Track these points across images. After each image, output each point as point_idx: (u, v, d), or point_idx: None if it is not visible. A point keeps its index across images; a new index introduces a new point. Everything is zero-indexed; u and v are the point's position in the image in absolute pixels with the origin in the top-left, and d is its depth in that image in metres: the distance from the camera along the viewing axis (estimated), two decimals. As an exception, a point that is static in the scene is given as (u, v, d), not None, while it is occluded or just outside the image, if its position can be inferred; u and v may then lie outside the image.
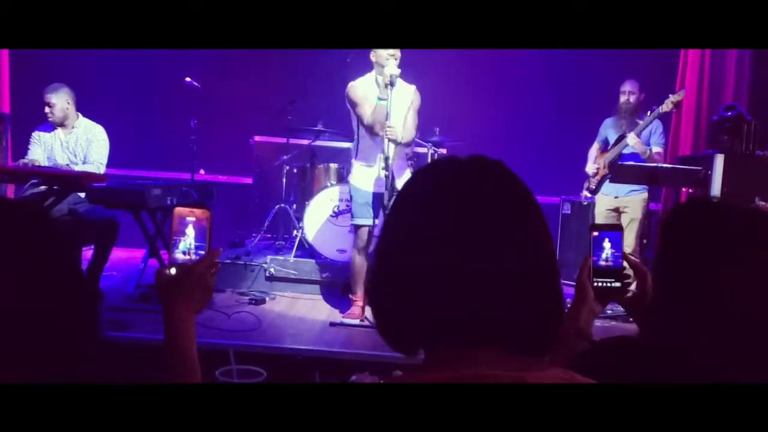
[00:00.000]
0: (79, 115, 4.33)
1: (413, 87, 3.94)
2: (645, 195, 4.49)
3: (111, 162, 4.43)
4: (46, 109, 4.20)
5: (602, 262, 1.27)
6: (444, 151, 5.59)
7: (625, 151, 4.52)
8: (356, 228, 3.97)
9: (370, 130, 3.79)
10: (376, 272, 0.81)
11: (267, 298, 4.45)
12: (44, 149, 4.29)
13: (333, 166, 5.43)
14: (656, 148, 4.49)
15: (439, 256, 0.74)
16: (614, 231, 1.29)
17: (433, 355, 0.78)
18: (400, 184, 3.83)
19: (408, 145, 3.99)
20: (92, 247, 4.08)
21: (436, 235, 0.75)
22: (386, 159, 3.60)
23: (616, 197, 4.56)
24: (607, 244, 1.27)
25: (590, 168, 4.76)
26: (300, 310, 4.27)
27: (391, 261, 0.79)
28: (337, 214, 4.88)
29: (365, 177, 3.91)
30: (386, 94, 3.63)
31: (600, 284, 1.26)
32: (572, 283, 1.29)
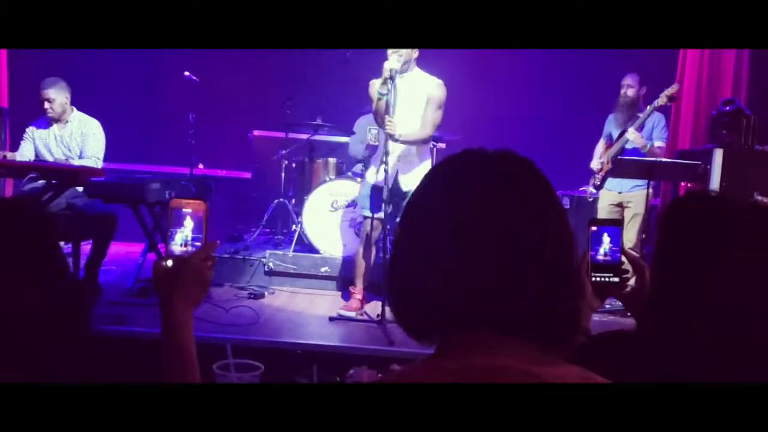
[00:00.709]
0: (74, 108, 4.29)
1: (437, 81, 3.84)
2: (648, 191, 4.48)
3: (109, 156, 4.41)
4: (46, 105, 4.13)
5: (600, 257, 1.27)
6: (443, 145, 5.57)
7: (627, 146, 4.52)
8: (363, 220, 4.09)
9: (377, 122, 3.83)
10: (392, 259, 0.82)
11: (266, 293, 4.44)
12: (39, 145, 4.25)
13: (332, 160, 5.43)
14: (658, 143, 4.49)
15: (458, 245, 0.75)
16: (613, 226, 1.28)
17: (448, 342, 0.78)
18: (405, 180, 3.84)
19: (423, 142, 3.92)
20: (91, 241, 4.07)
21: (454, 225, 0.76)
22: (386, 154, 3.61)
23: (620, 192, 4.57)
24: (605, 239, 1.27)
25: (595, 164, 4.76)
26: (299, 305, 4.27)
27: (407, 249, 0.80)
28: (336, 209, 4.88)
29: (373, 169, 3.96)
30: (385, 88, 3.63)
31: (598, 279, 1.26)
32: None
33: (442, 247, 0.75)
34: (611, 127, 4.73)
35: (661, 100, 4.37)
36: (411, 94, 3.79)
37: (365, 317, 3.88)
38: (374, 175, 3.91)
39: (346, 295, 4.23)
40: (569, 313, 0.77)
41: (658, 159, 4.30)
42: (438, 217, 0.77)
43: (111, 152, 4.43)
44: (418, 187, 0.83)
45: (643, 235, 4.41)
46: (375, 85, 3.83)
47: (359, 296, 4.02)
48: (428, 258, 0.76)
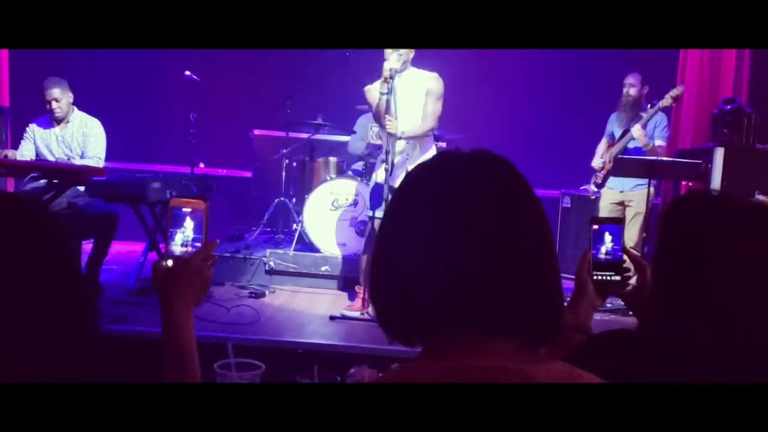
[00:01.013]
0: (74, 108, 4.28)
1: (432, 74, 3.89)
2: (650, 190, 4.47)
3: (110, 155, 4.41)
4: (53, 105, 4.11)
5: (602, 256, 1.26)
6: (443, 144, 5.57)
7: (630, 145, 4.52)
8: (366, 220, 4.15)
9: (380, 124, 3.86)
10: (375, 261, 0.82)
11: (266, 292, 4.44)
12: (40, 144, 4.24)
13: (332, 159, 5.43)
14: (659, 142, 4.49)
15: (438, 246, 0.75)
16: (614, 224, 1.28)
17: (439, 343, 0.77)
18: None
19: (424, 136, 3.96)
20: (92, 240, 4.07)
21: (434, 226, 0.76)
22: (387, 153, 3.65)
23: (621, 191, 4.57)
24: (607, 237, 1.26)
25: (597, 162, 4.77)
26: (299, 304, 4.27)
27: (390, 250, 0.80)
28: (337, 208, 4.88)
29: (379, 171, 3.99)
30: (386, 88, 3.67)
31: (600, 277, 1.26)
32: (572, 276, 1.29)
33: (442, 249, 0.75)
34: (613, 126, 4.73)
35: (666, 101, 4.37)
36: (409, 91, 3.83)
37: (366, 317, 3.88)
38: (379, 175, 3.96)
39: (353, 295, 4.25)
40: (557, 311, 0.78)
41: (660, 158, 4.30)
42: (432, 219, 0.77)
43: (112, 151, 4.43)
44: (401, 189, 0.82)
45: (644, 234, 4.41)
46: (372, 90, 3.89)
47: (362, 295, 4.03)
48: (425, 259, 0.76)
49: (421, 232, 0.76)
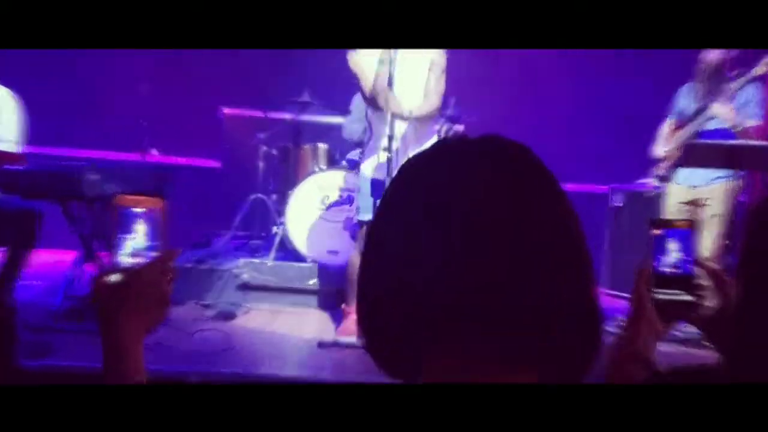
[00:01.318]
0: None
1: None
2: (733, 184, 4.40)
3: (29, 137, 4.36)
4: None
5: (666, 268, 1.26)
6: (461, 127, 5.56)
7: (708, 127, 4.42)
8: (360, 225, 4.13)
9: (373, 103, 3.91)
10: (364, 271, 0.85)
11: (238, 312, 4.47)
12: None
13: (322, 146, 5.45)
14: (752, 121, 4.35)
15: (438, 236, 0.78)
16: (683, 228, 1.28)
17: (434, 370, 0.80)
18: None
19: (429, 117, 4.03)
20: (4, 248, 4.02)
21: (436, 213, 0.79)
22: (389, 138, 3.66)
23: (694, 187, 4.52)
24: (672, 245, 1.26)
25: (660, 150, 4.71)
26: (281, 327, 4.31)
27: (388, 241, 0.83)
28: (327, 207, 4.89)
29: (372, 163, 4.04)
30: (387, 56, 3.70)
31: (664, 296, 1.25)
32: (627, 294, 1.29)
33: (442, 238, 0.78)
34: (685, 101, 4.63)
35: (760, 68, 4.20)
36: (413, 62, 3.88)
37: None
38: (372, 168, 4.00)
39: (339, 316, 4.27)
40: (578, 333, 0.79)
41: (747, 142, 4.21)
42: (434, 206, 0.80)
43: (32, 132, 4.39)
44: (400, 175, 0.86)
45: (726, 242, 4.37)
46: (357, 58, 3.92)
47: (355, 316, 4.04)
48: (423, 250, 0.78)
49: (420, 220, 0.80)
